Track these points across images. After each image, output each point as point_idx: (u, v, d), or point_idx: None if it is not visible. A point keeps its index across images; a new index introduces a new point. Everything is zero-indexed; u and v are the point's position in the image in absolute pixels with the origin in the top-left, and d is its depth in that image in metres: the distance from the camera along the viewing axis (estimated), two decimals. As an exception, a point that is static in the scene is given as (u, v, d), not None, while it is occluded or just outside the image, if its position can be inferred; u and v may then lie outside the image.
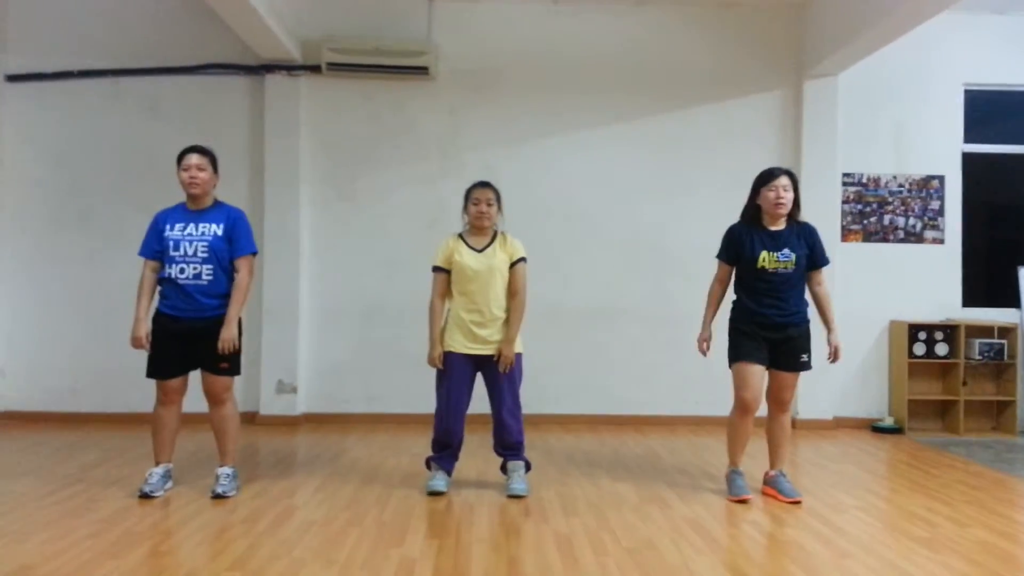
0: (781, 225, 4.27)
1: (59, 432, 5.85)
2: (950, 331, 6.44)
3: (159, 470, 4.22)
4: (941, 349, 6.41)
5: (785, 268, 4.19)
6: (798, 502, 4.20)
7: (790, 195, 4.20)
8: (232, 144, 6.35)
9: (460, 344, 4.29)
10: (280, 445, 5.55)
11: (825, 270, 4.37)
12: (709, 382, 6.48)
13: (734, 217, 6.42)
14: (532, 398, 6.18)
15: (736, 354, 4.27)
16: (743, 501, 4.21)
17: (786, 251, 4.19)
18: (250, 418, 6.19)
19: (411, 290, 6.42)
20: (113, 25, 6.42)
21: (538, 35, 6.55)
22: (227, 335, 4.11)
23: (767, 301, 4.21)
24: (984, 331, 6.47)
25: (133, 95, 6.42)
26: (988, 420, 6.60)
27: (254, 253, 4.31)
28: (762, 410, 4.35)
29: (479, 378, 4.39)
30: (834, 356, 4.29)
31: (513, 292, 4.33)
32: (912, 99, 6.64)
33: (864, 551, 3.49)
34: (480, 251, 4.30)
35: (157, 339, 4.18)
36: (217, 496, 4.12)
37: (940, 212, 6.66)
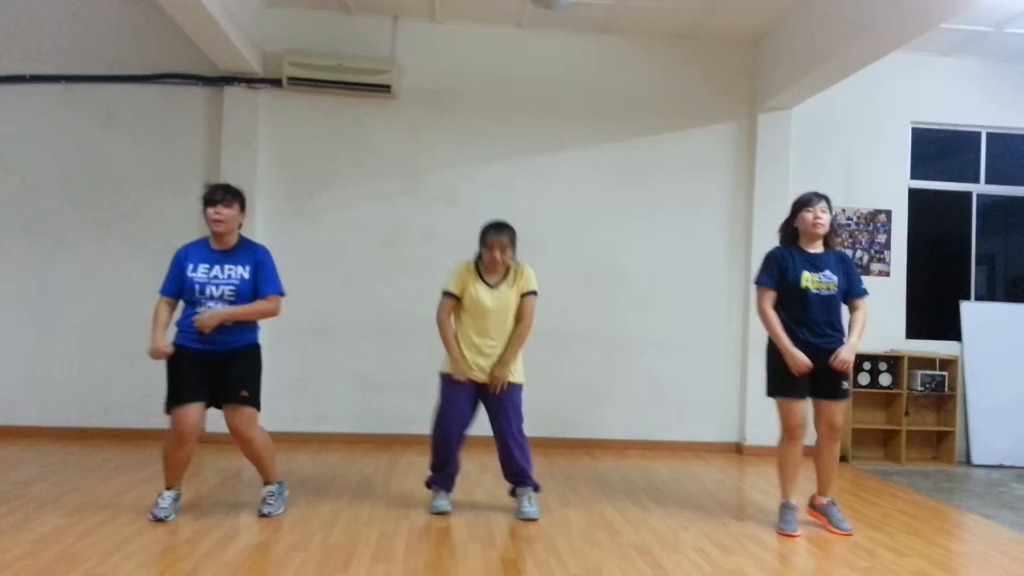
0: (819, 248, 4.33)
1: (-5, 445, 5.67)
2: (894, 362, 6.60)
3: (170, 495, 4.05)
4: (885, 379, 6.56)
5: (828, 289, 4.22)
6: (850, 535, 4.22)
7: (827, 217, 4.28)
8: (188, 155, 6.28)
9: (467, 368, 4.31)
10: (226, 464, 5.44)
11: (865, 302, 4.36)
12: (659, 406, 6.58)
13: (690, 243, 6.61)
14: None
15: (778, 388, 4.28)
16: (791, 536, 4.20)
17: (827, 272, 4.24)
18: (196, 434, 6.07)
19: (366, 308, 6.41)
20: (68, 30, 6.29)
21: (502, 58, 6.59)
22: (204, 316, 3.93)
23: (812, 326, 4.21)
24: (926, 363, 6.64)
25: (87, 102, 6.30)
26: (929, 450, 6.77)
27: (282, 294, 4.21)
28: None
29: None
30: (839, 362, 4.16)
31: (518, 318, 4.38)
32: (861, 135, 6.83)
33: (806, 580, 3.54)
34: (494, 287, 4.33)
35: (177, 365, 4.01)
36: (264, 516, 4.10)
37: (887, 246, 6.84)
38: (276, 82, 6.28)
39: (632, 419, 6.56)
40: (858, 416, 6.58)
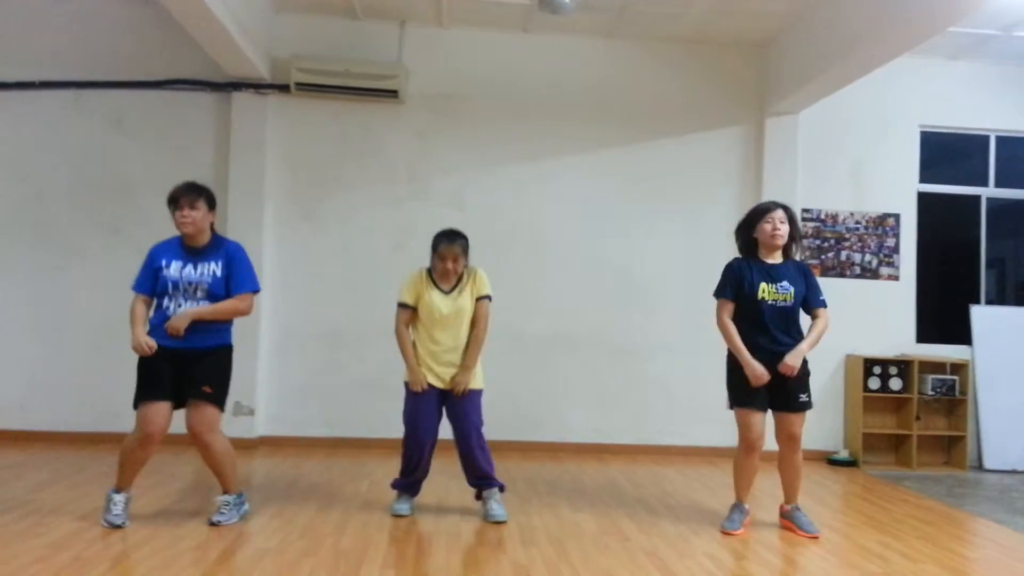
0: (778, 259, 4.32)
1: (7, 451, 5.67)
2: (904, 366, 6.57)
3: (121, 498, 4.00)
4: (895, 384, 6.53)
5: (784, 301, 4.22)
6: (816, 537, 4.22)
7: (786, 227, 4.27)
8: (197, 161, 6.27)
9: (428, 374, 4.32)
10: (236, 468, 5.44)
11: (825, 313, 4.33)
12: (670, 412, 6.56)
13: (697, 248, 6.60)
14: (492, 425, 6.15)
15: (737, 399, 4.29)
16: (732, 534, 4.25)
17: (785, 283, 4.24)
18: (205, 440, 6.07)
19: (374, 313, 6.36)
20: (77, 37, 6.32)
21: (508, 63, 6.60)
22: (174, 321, 3.90)
23: (769, 336, 4.22)
24: (937, 367, 6.61)
25: (96, 108, 6.32)
26: (940, 454, 6.73)
27: (255, 291, 4.17)
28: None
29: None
30: (784, 367, 4.17)
31: (473, 322, 4.36)
32: (870, 139, 6.82)
33: (819, 586, 3.53)
34: (448, 292, 4.33)
35: (147, 362, 3.98)
36: (213, 524, 4.00)
37: (895, 249, 6.82)
38: (284, 87, 6.30)
39: (642, 424, 6.54)
40: (869, 421, 6.55)
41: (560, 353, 6.52)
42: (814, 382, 6.47)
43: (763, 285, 4.23)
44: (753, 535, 4.28)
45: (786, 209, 4.32)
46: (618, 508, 4.76)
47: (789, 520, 4.39)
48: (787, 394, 4.25)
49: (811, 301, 4.32)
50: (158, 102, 6.35)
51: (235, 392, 6.11)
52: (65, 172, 6.30)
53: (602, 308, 6.57)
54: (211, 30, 5.29)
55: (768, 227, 4.26)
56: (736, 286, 4.30)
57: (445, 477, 4.71)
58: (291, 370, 6.38)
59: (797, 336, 4.30)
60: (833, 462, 6.47)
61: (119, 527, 3.91)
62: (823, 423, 6.68)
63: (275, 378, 6.38)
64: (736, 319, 4.32)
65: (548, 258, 6.57)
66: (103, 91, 6.31)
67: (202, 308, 4.00)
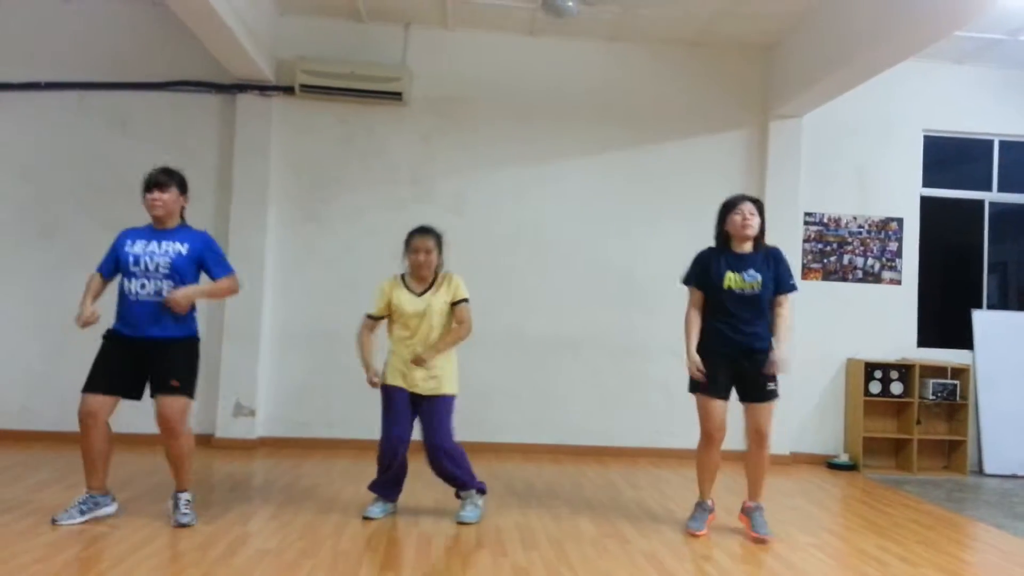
0: (748, 249, 4.33)
1: (8, 451, 5.69)
2: (905, 371, 6.56)
3: (80, 499, 4.02)
4: (896, 388, 6.53)
5: (752, 289, 4.22)
6: (764, 541, 4.19)
7: (756, 219, 4.29)
8: (201, 162, 6.29)
9: (400, 379, 4.33)
10: (236, 469, 5.47)
11: (790, 299, 4.36)
12: (670, 414, 6.55)
13: (698, 250, 6.57)
14: (493, 426, 6.18)
15: (697, 384, 4.31)
16: (695, 535, 4.26)
17: (751, 271, 4.24)
18: (206, 441, 6.08)
19: (376, 314, 6.42)
20: (82, 38, 6.35)
21: (513, 66, 6.62)
22: (176, 294, 3.93)
23: (735, 324, 4.23)
24: (938, 371, 6.60)
25: (101, 110, 6.35)
26: (940, 459, 6.72)
27: (233, 271, 4.25)
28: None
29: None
30: (772, 368, 4.18)
31: (458, 321, 4.38)
32: (873, 143, 6.82)
33: (817, 590, 3.53)
34: (420, 295, 4.35)
35: (107, 351, 4.05)
36: (182, 526, 3.98)
37: (898, 254, 6.82)
38: (289, 89, 6.32)
39: (642, 426, 6.54)
40: (869, 425, 6.55)
41: (561, 354, 6.53)
42: (815, 386, 6.63)
43: (729, 274, 4.25)
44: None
45: (755, 201, 4.35)
46: (618, 511, 4.76)
47: (746, 516, 4.37)
48: (754, 384, 4.25)
49: (781, 286, 4.30)
50: (162, 103, 6.38)
51: (236, 392, 6.20)
52: (69, 173, 6.32)
53: (603, 309, 6.58)
54: (216, 31, 5.31)
55: (738, 218, 4.29)
56: (701, 274, 4.34)
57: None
58: (292, 371, 6.40)
59: (764, 325, 4.27)
60: (833, 466, 6.47)
61: (56, 522, 3.91)
62: (823, 427, 6.69)
63: (276, 379, 6.40)
64: (706, 311, 4.34)
65: (550, 259, 6.58)
66: (107, 92, 6.34)
67: (197, 287, 4.07)
